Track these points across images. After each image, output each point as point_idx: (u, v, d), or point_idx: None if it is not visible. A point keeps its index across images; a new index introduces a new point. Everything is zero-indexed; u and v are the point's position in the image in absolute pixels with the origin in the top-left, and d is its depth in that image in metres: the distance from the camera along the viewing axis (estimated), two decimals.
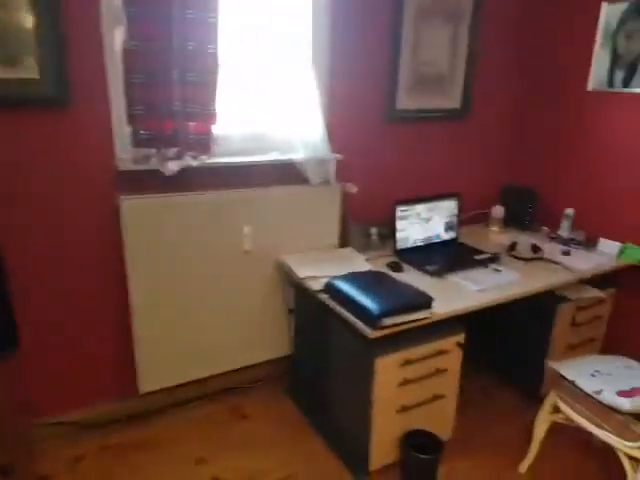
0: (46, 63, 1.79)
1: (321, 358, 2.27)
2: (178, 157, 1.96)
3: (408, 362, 1.94)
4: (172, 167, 1.93)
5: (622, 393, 1.76)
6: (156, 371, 2.27)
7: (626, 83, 2.46)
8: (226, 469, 2.10)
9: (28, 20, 1.74)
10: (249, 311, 2.42)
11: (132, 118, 1.91)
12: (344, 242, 2.60)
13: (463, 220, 3.00)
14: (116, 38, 1.87)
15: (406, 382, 1.96)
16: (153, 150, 1.96)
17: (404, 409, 2.00)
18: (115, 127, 1.99)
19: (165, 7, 1.79)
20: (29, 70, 1.77)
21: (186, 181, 2.15)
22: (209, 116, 1.99)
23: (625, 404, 1.72)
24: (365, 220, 2.62)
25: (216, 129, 2.06)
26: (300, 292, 2.38)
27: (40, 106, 1.85)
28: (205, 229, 2.19)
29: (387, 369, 1.90)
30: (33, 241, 1.98)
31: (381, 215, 2.65)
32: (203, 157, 2.02)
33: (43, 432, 2.20)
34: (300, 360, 2.51)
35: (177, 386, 2.38)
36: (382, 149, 2.68)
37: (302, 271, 2.23)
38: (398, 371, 1.93)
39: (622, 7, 2.42)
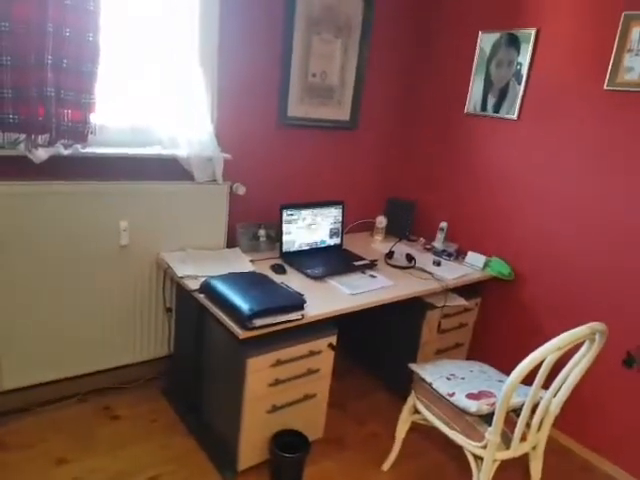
0: None
1: (198, 358, 2.25)
2: (49, 144, 1.87)
3: (280, 362, 1.97)
4: (41, 154, 1.84)
5: (470, 396, 1.87)
6: (21, 367, 2.16)
7: (496, 109, 2.64)
8: (87, 470, 2.02)
9: None
10: (124, 309, 2.35)
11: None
12: (232, 242, 2.59)
13: (351, 227, 3.11)
14: None
15: (277, 382, 1.99)
16: (22, 135, 1.85)
17: (275, 409, 2.02)
18: None
19: None
20: None
21: (60, 170, 2.05)
22: (87, 104, 1.91)
23: (472, 406, 1.82)
24: (254, 221, 2.63)
25: (95, 118, 1.99)
26: (179, 291, 2.35)
27: None
28: (77, 220, 2.10)
29: (258, 369, 1.92)
30: None
31: (270, 217, 2.68)
32: (77, 146, 1.94)
33: None
34: (179, 360, 2.48)
35: (46, 384, 2.26)
36: (273, 153, 2.71)
37: (181, 269, 2.20)
38: (270, 371, 1.96)
39: (495, 37, 2.62)
